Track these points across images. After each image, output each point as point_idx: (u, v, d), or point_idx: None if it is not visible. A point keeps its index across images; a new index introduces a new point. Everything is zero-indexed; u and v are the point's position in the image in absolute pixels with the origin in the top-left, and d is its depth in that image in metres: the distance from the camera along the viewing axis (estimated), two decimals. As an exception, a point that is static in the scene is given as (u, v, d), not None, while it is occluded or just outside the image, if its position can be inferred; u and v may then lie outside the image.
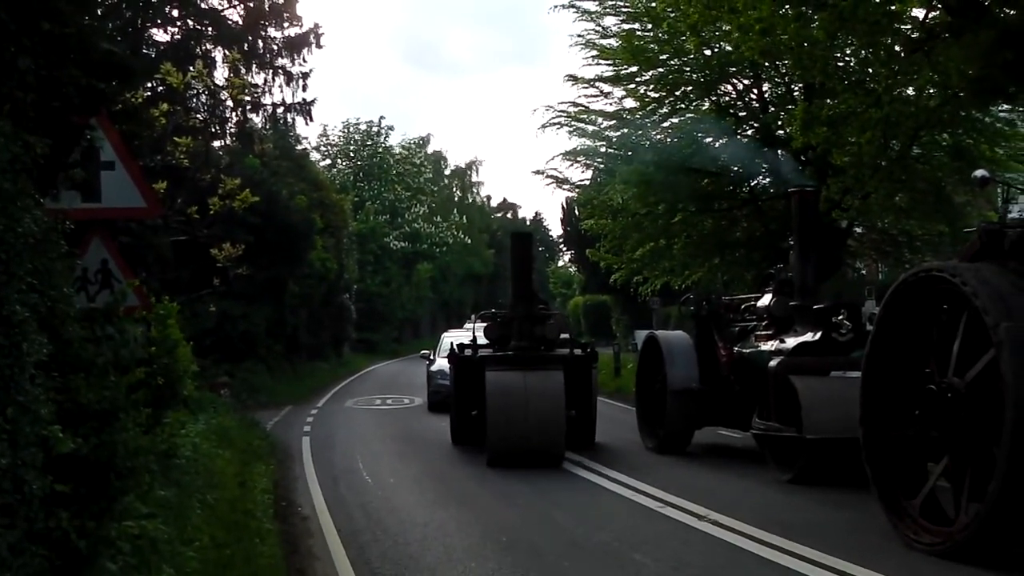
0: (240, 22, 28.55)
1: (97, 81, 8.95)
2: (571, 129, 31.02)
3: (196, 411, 16.27)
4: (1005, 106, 22.81)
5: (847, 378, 14.58)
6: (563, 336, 20.30)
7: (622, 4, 28.75)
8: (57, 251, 6.64)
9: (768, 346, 17.17)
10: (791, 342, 16.48)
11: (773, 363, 16.07)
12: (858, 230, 29.53)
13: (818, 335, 16.10)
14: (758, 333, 18.03)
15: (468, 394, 19.10)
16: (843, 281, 28.15)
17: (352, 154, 78.53)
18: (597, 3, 29.19)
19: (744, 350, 18.23)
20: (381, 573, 10.29)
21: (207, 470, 13.18)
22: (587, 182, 34.94)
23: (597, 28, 29.21)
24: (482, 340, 19.67)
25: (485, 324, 20.05)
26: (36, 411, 5.63)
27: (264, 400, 30.94)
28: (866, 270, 35.48)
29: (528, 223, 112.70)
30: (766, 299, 18.03)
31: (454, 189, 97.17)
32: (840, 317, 15.99)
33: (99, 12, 16.79)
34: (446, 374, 23.78)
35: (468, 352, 19.65)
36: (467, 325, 35.71)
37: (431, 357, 29.75)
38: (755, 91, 28.38)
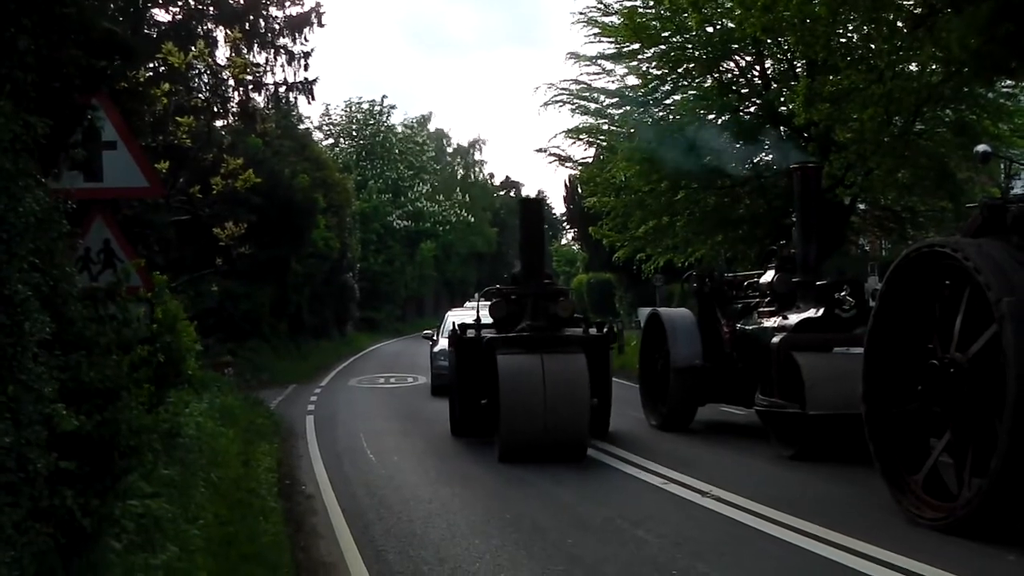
0: (242, 1, 28.47)
1: (98, 61, 8.96)
2: (573, 107, 31.04)
3: (200, 390, 16.31)
4: (1008, 82, 22.76)
5: (850, 354, 14.57)
6: (575, 315, 18.24)
7: (624, -20, 28.67)
8: (59, 231, 6.64)
9: (771, 323, 17.16)
10: (794, 318, 16.47)
11: (776, 339, 16.07)
12: (861, 206, 29.48)
13: (821, 311, 16.09)
14: (761, 310, 18.02)
15: (472, 381, 16.96)
16: (846, 257, 28.13)
17: (354, 133, 78.49)
18: (599, -20, 29.13)
19: (747, 327, 18.23)
20: (385, 550, 10.32)
21: (211, 449, 13.20)
22: (590, 160, 34.93)
23: (599, 5, 29.14)
24: (487, 319, 17.80)
25: (491, 302, 17.93)
26: (39, 390, 5.65)
27: (268, 379, 31.04)
28: (869, 246, 35.47)
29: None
30: (769, 276, 18.01)
31: (457, 168, 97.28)
32: (843, 293, 15.98)
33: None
34: None
35: (472, 333, 17.51)
36: (469, 303, 35.56)
37: (434, 337, 28.50)
38: (757, 68, 28.30)
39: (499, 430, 15.58)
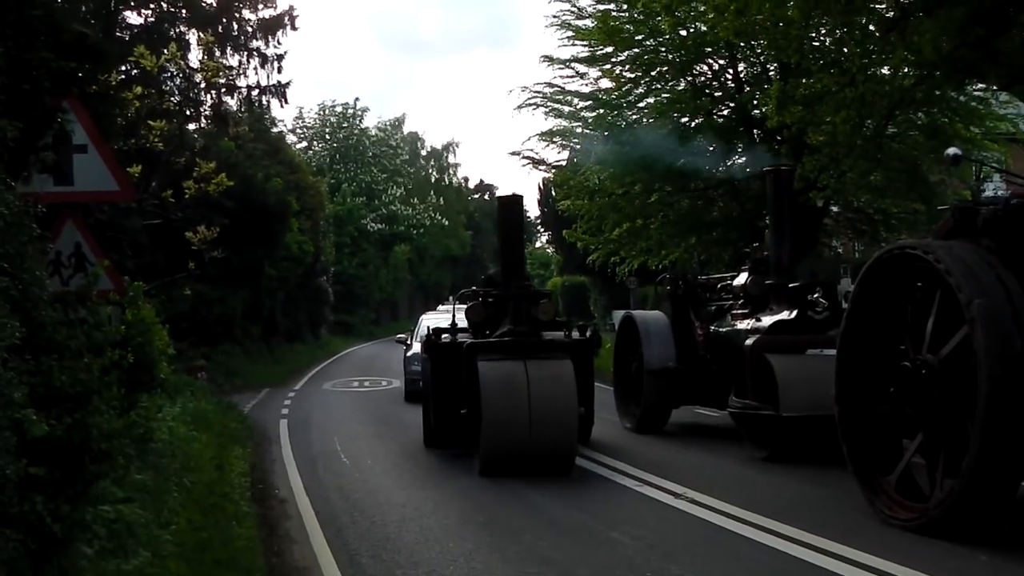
0: (214, 4, 28.34)
1: (69, 63, 8.91)
2: (547, 110, 30.99)
3: (173, 394, 16.28)
4: (980, 85, 22.89)
5: (823, 356, 14.63)
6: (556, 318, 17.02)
7: (597, -16, 28.72)
8: (29, 234, 6.61)
9: (744, 325, 17.21)
10: (767, 320, 16.52)
11: (749, 341, 16.12)
12: (834, 209, 29.61)
13: (794, 313, 16.14)
14: (734, 312, 18.08)
15: (448, 389, 15.78)
16: (819, 260, 28.23)
17: (328, 136, 78.51)
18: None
19: (720, 329, 18.28)
20: (358, 554, 10.29)
21: (184, 453, 13.16)
22: (564, 163, 34.92)
23: (572, 8, 29.19)
24: (463, 323, 16.73)
25: (467, 305, 16.91)
26: (9, 395, 5.62)
27: (241, 383, 30.96)
28: (842, 248, 35.59)
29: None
30: (742, 278, 18.07)
31: (431, 170, 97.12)
32: (816, 295, 16.05)
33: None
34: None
35: (447, 338, 16.41)
36: (443, 307, 35.37)
37: (408, 342, 27.49)
38: (730, 71, 28.40)
39: (480, 442, 14.55)
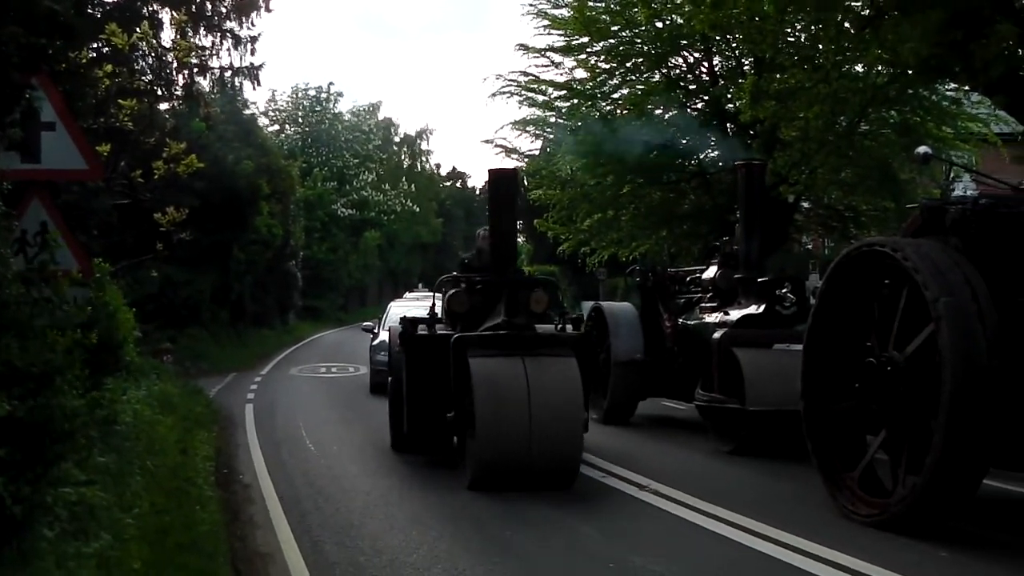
0: (188, -17, 28.16)
1: (39, 39, 8.82)
2: (521, 98, 30.97)
3: (138, 377, 16.16)
4: (952, 85, 23.00)
5: (790, 351, 14.72)
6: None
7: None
8: (-7, 212, 6.54)
9: (712, 318, 17.26)
10: (735, 314, 16.58)
11: (717, 335, 16.17)
12: (804, 205, 29.73)
13: (762, 308, 16.22)
14: (703, 305, 18.11)
15: (426, 389, 13.86)
16: (788, 255, 28.35)
17: (300, 120, 78.07)
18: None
19: (688, 322, 18.31)
20: (322, 541, 10.27)
21: (148, 436, 13.07)
22: (536, 152, 34.94)
23: (549, -3, 29.15)
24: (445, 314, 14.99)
25: (450, 293, 14.71)
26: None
27: (207, 367, 30.83)
28: (812, 245, 35.75)
29: (477, 192, 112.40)
30: (711, 271, 18.12)
31: (403, 157, 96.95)
32: (784, 290, 16.11)
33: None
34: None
35: (424, 329, 14.59)
36: (410, 294, 35.03)
37: (375, 330, 26.34)
38: (705, 64, 28.46)
39: (469, 452, 12.85)
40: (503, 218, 15.33)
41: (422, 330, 14.56)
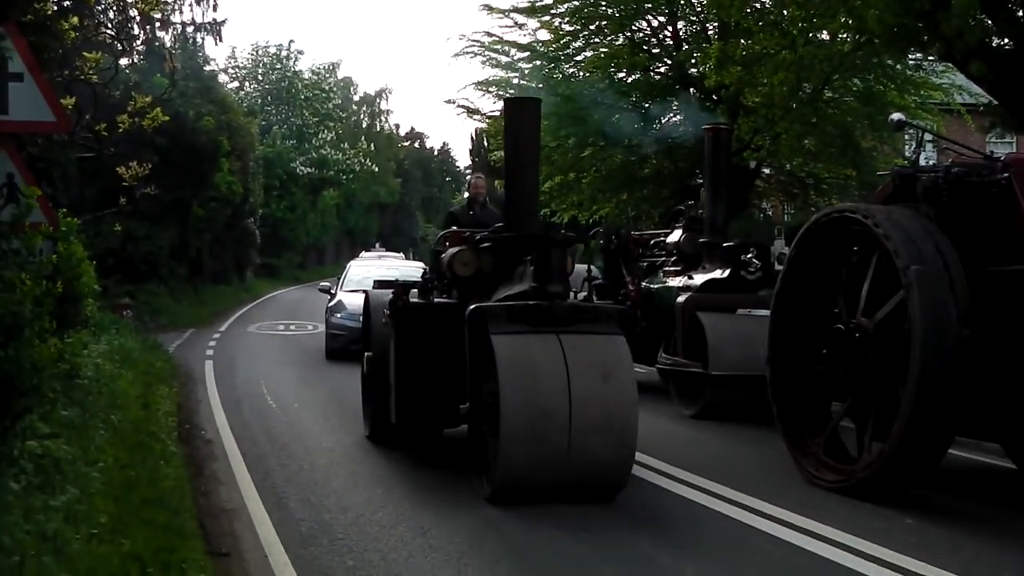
0: (150, -66, 27.80)
1: (4, -11, 8.67)
2: (484, 59, 30.90)
3: (98, 332, 16.02)
4: (917, 55, 23.10)
5: (754, 316, 14.82)
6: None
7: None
8: (-39, 161, 6.42)
9: (676, 282, 17.25)
10: (699, 279, 16.58)
11: (681, 299, 16.19)
12: (766, 171, 29.85)
13: (726, 273, 16.22)
14: (667, 269, 18.09)
15: (424, 371, 11.13)
16: (750, 221, 28.46)
17: (260, 77, 77.54)
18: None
19: (652, 285, 18.30)
20: (286, 497, 10.22)
21: (110, 391, 12.98)
22: (498, 113, 34.77)
23: (515, -43, 29.03)
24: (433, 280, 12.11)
25: (454, 252, 11.73)
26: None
27: (166, 323, 30.66)
28: (772, 211, 35.92)
29: (436, 153, 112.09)
30: (676, 235, 18.09)
31: (362, 116, 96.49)
32: (749, 255, 16.13)
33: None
34: (352, 314, 20.49)
35: (417, 297, 11.56)
36: (367, 254, 34.67)
37: (332, 291, 24.54)
38: (670, 28, 28.47)
39: (496, 454, 9.73)
40: (524, 158, 11.80)
41: (415, 297, 11.62)
